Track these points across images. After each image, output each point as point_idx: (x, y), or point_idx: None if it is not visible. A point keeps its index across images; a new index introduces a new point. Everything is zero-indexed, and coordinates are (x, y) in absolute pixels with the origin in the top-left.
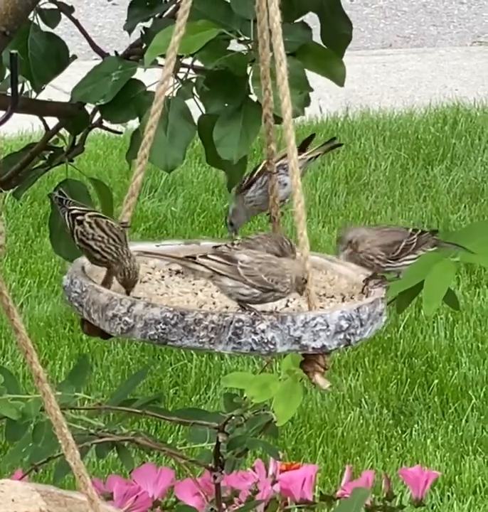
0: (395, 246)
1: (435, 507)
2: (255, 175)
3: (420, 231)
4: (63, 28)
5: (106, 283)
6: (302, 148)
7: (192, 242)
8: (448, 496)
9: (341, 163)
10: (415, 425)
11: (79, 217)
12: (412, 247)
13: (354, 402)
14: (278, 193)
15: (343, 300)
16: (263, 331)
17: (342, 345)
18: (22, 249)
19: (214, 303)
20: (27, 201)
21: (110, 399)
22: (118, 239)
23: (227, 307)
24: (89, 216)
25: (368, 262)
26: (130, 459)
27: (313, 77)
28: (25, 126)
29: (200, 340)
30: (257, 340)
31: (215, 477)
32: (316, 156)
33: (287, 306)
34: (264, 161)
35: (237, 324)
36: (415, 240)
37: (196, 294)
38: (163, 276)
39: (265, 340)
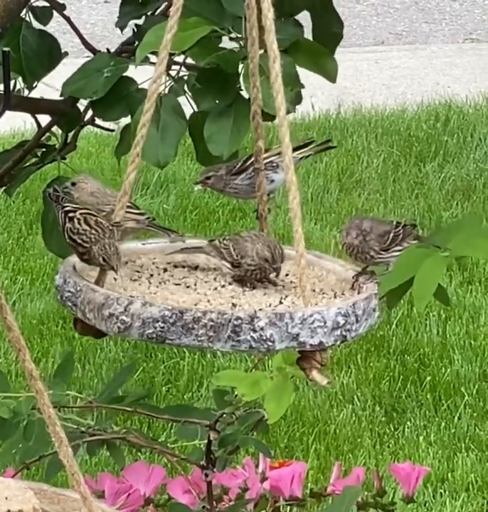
0: (385, 236)
1: (427, 504)
2: (248, 163)
3: (403, 223)
4: (55, 26)
5: (99, 282)
6: (298, 147)
7: (177, 239)
8: (441, 493)
9: (333, 161)
10: (408, 422)
11: (70, 214)
12: (400, 239)
13: (346, 399)
14: (265, 189)
15: (335, 296)
16: (262, 329)
17: (339, 342)
18: (14, 246)
19: (208, 301)
20: (19, 199)
21: (100, 396)
22: (102, 231)
23: (221, 304)
24: (81, 213)
25: (362, 255)
26: (121, 456)
27: (305, 75)
28: (17, 124)
29: (199, 338)
30: (255, 337)
31: (206, 475)
32: (308, 156)
33: (280, 303)
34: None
35: (235, 322)
36: (401, 231)
37: (188, 292)
38: (152, 275)
39: (264, 338)
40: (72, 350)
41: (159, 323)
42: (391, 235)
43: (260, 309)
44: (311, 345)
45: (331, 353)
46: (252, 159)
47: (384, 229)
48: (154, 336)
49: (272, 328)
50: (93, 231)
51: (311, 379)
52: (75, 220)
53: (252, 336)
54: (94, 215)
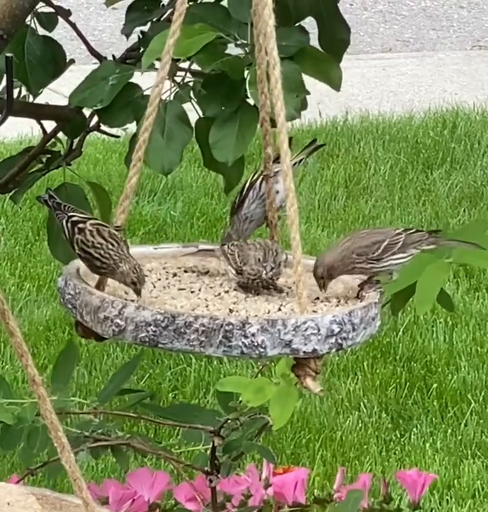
0: (374, 246)
1: (433, 511)
2: (244, 191)
3: (413, 230)
4: (63, 32)
5: (100, 285)
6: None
7: (190, 246)
8: (447, 500)
9: (341, 167)
10: (414, 429)
11: (80, 225)
12: (398, 246)
13: (353, 406)
14: (274, 197)
15: (338, 304)
16: (253, 335)
17: (334, 350)
18: (21, 253)
19: (207, 306)
20: (26, 205)
21: (101, 392)
22: (117, 243)
23: (219, 310)
24: (91, 224)
25: (353, 272)
26: (125, 460)
27: (312, 81)
28: (24, 130)
29: (191, 343)
30: (247, 343)
31: (210, 481)
32: (300, 161)
33: (279, 310)
34: (251, 175)
35: (227, 327)
36: (401, 238)
37: (190, 297)
38: (159, 279)
39: (255, 344)
40: (74, 346)
41: (152, 326)
42: (384, 244)
43: (255, 315)
44: (304, 352)
45: (338, 360)
46: (247, 187)
47: (373, 239)
48: (147, 339)
49: (263, 334)
50: (110, 246)
51: (305, 386)
52: (87, 232)
53: (243, 342)
54: (106, 226)
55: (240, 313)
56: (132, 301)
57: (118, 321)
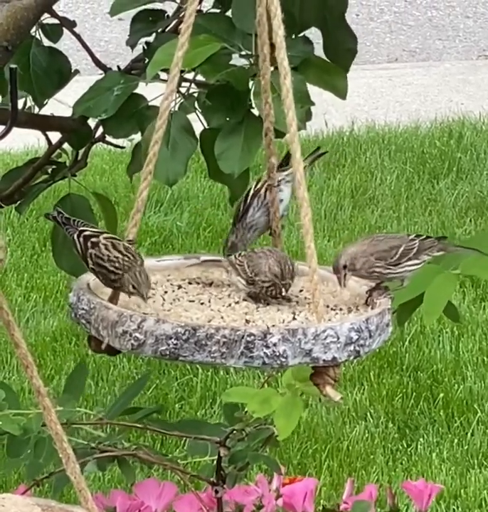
0: (392, 251)
1: None
2: (249, 199)
3: (424, 237)
4: (70, 43)
5: (113, 299)
6: (287, 162)
7: (192, 257)
8: (453, 509)
9: (347, 178)
10: (421, 439)
11: (93, 240)
12: (413, 252)
13: (359, 416)
14: (278, 207)
15: (348, 312)
16: (275, 345)
17: (352, 357)
18: (28, 264)
19: (222, 317)
20: (33, 216)
21: (111, 408)
22: (133, 257)
23: (235, 321)
24: (105, 238)
25: (370, 276)
26: (132, 472)
27: (318, 92)
28: (30, 141)
29: (212, 354)
30: (268, 353)
31: (216, 491)
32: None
33: (294, 319)
34: (254, 183)
35: (248, 338)
36: (416, 244)
37: (202, 308)
38: (166, 292)
39: (277, 354)
40: (84, 364)
41: (172, 340)
42: (401, 249)
43: (273, 325)
44: (324, 360)
45: (344, 370)
46: (251, 194)
47: (391, 244)
48: (168, 352)
49: (285, 344)
50: (126, 258)
51: (325, 395)
52: (101, 246)
53: (265, 352)
54: (120, 240)
55: (257, 324)
56: (146, 313)
57: (137, 335)
